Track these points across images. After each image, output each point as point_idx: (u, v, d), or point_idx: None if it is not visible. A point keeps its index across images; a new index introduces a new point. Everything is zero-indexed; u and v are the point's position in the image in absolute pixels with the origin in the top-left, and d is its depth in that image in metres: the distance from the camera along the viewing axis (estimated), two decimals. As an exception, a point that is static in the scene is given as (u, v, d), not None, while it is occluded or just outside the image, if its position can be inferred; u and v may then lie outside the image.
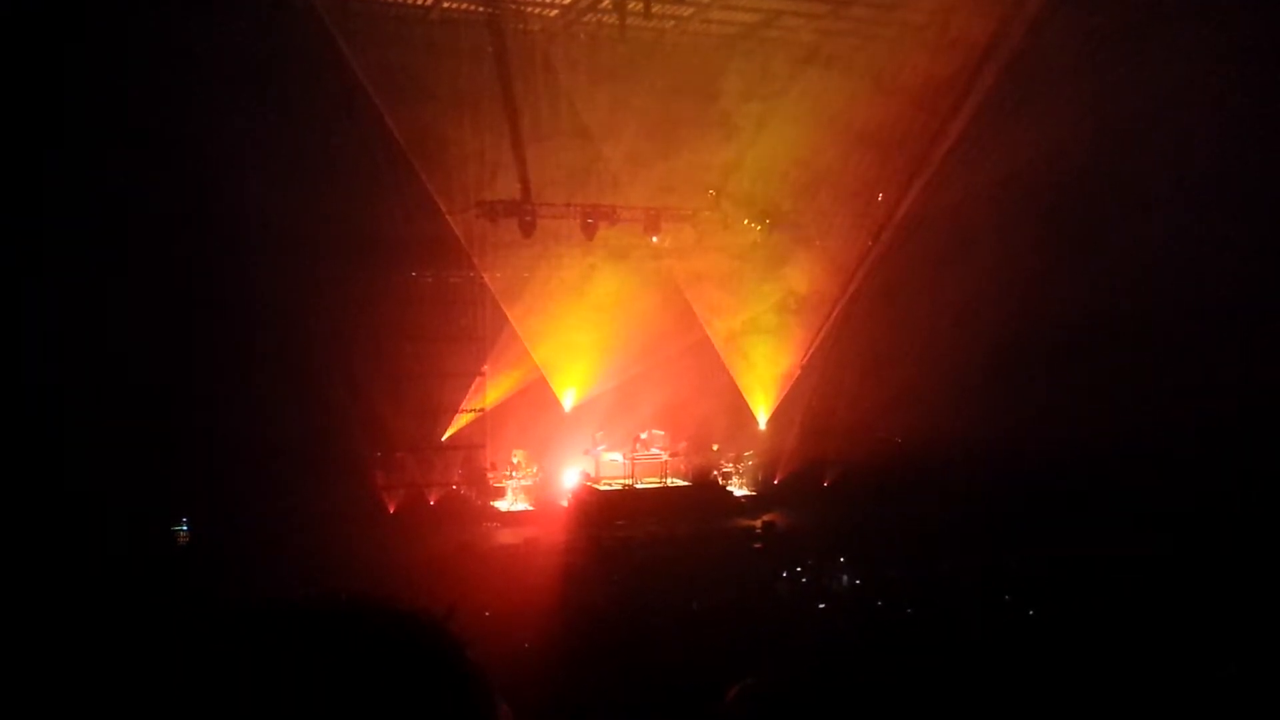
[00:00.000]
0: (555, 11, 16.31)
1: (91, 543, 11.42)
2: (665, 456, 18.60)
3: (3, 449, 11.87)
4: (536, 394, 19.06)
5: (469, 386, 18.70)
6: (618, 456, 18.39)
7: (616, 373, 18.78)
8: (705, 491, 18.49)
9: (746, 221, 19.11)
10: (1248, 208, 13.90)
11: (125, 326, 13.47)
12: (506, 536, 15.94)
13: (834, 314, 19.77)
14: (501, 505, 17.83)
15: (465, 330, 18.56)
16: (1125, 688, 6.73)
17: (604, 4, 15.95)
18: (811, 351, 20.13)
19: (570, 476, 18.42)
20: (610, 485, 18.13)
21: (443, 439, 18.60)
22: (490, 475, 18.27)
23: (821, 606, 10.96)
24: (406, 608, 1.10)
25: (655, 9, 15.95)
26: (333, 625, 1.05)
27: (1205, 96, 13.54)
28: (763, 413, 20.25)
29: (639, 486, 18.24)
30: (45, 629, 8.33)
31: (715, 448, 19.73)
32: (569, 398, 19.26)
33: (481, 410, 18.84)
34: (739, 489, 19.32)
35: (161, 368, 13.75)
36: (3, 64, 11.76)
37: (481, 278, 18.34)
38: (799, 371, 20.22)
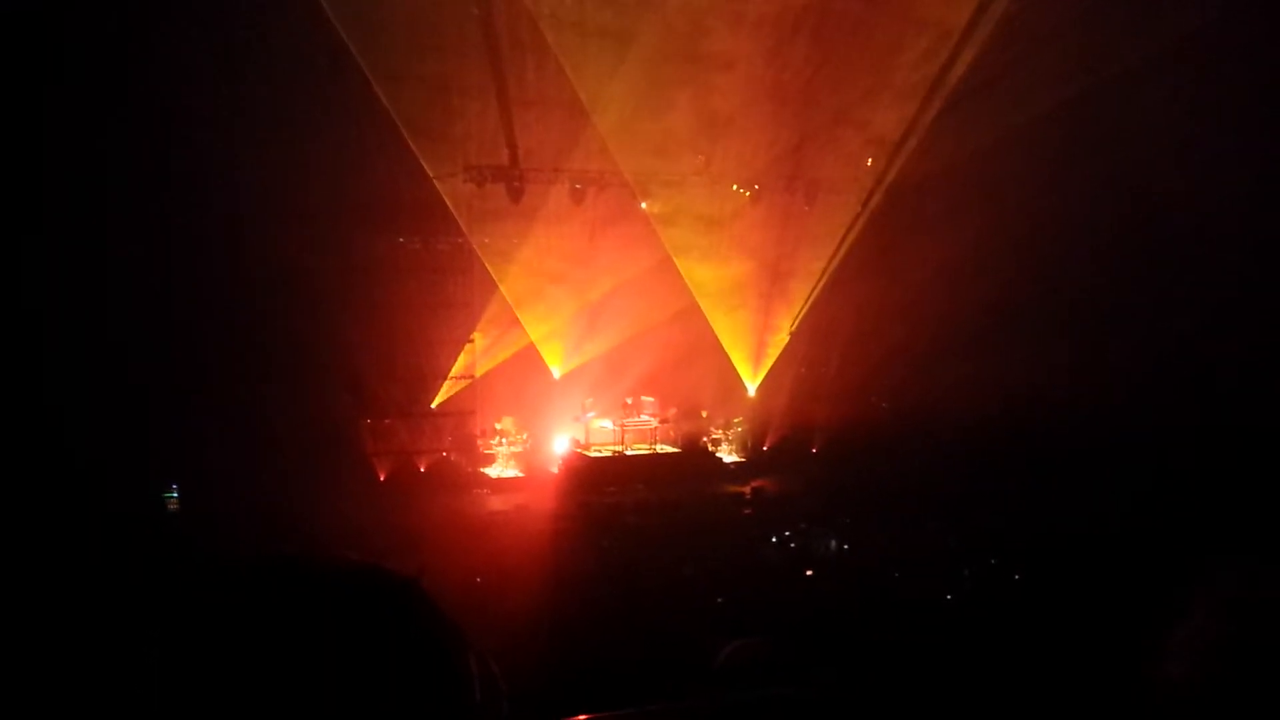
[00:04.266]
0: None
1: (80, 510, 11.40)
2: (655, 423, 18.65)
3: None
4: (526, 361, 19.07)
5: (458, 353, 18.70)
6: (607, 423, 18.44)
7: (606, 339, 18.78)
8: (695, 458, 18.58)
9: (735, 186, 19.04)
10: (1255, 182, 13.79)
11: (113, 293, 13.38)
12: (497, 503, 16.00)
13: (823, 279, 19.78)
14: (492, 472, 17.89)
15: (454, 297, 18.51)
16: (1110, 652, 6.82)
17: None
18: (800, 317, 20.16)
19: (560, 443, 18.49)
20: (600, 452, 18.20)
21: (433, 406, 18.62)
22: (480, 442, 18.33)
23: (809, 573, 11.06)
24: (368, 562, 1.13)
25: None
26: (293, 577, 1.09)
27: (1209, 56, 13.35)
28: (751, 379, 20.31)
29: (629, 453, 18.30)
30: (38, 601, 8.34)
31: (705, 414, 19.79)
32: (558, 364, 19.27)
33: (471, 377, 18.86)
34: (728, 455, 19.42)
35: (149, 335, 13.67)
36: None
37: (470, 244, 18.26)
38: (788, 337, 20.27)
